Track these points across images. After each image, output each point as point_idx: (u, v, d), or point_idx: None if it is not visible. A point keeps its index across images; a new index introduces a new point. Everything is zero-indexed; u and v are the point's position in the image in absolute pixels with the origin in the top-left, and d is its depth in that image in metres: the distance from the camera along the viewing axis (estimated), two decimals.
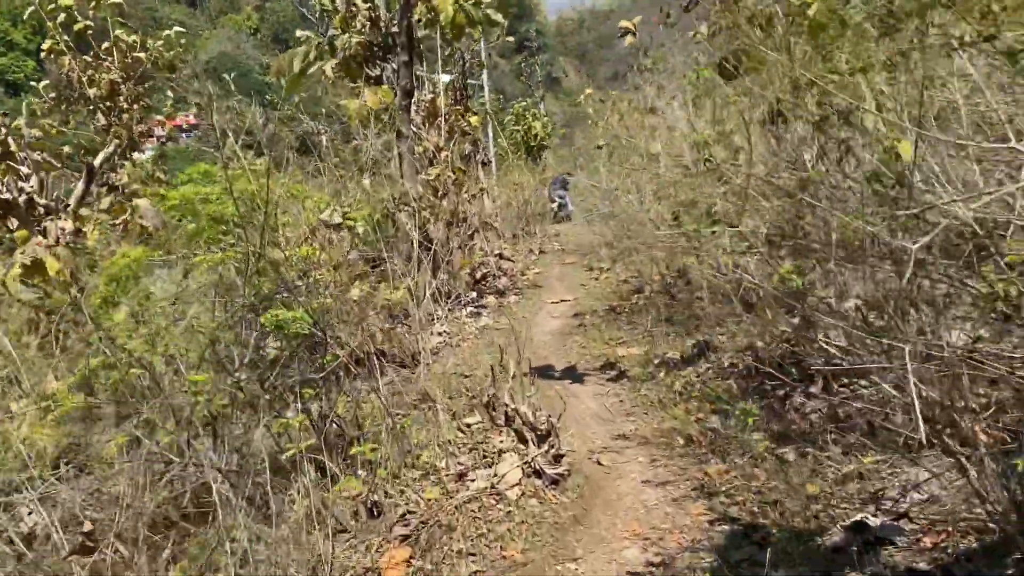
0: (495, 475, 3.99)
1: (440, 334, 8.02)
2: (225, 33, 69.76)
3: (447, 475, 4.09)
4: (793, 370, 4.59)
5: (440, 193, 10.15)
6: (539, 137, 25.27)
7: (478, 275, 10.81)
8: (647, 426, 4.86)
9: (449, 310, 8.65)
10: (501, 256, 11.16)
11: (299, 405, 4.18)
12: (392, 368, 6.90)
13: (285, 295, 4.47)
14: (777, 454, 3.96)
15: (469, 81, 16.24)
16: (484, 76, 19.30)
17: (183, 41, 10.43)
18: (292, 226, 6.46)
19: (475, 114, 13.91)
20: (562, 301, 9.44)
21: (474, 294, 9.38)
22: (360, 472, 4.13)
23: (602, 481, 4.14)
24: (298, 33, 8.61)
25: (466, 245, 10.52)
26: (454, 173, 10.18)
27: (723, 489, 3.76)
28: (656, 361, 5.88)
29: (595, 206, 10.56)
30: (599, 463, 4.35)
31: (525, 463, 4.08)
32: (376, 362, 5.32)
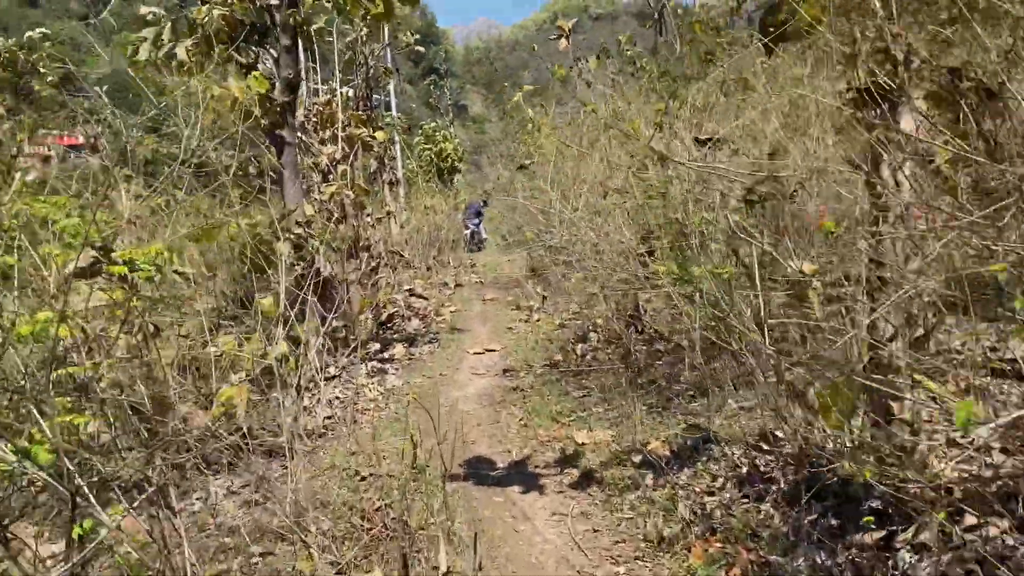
0: None
1: (332, 402, 6.05)
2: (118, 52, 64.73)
3: None
4: (871, 501, 2.97)
5: (336, 217, 8.21)
6: (451, 159, 23.58)
7: (383, 316, 8.88)
8: None
9: (342, 369, 6.69)
10: (412, 292, 9.27)
11: None
12: (260, 460, 4.93)
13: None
14: None
15: (374, 95, 14.40)
16: (391, 88, 17.43)
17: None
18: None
19: (380, 128, 12.08)
20: (487, 351, 7.64)
21: (377, 345, 7.43)
22: None
23: None
24: (143, 9, 6.52)
25: (368, 280, 8.58)
26: (354, 192, 8.27)
27: None
28: (635, 457, 4.15)
29: (537, 234, 8.83)
30: None
31: None
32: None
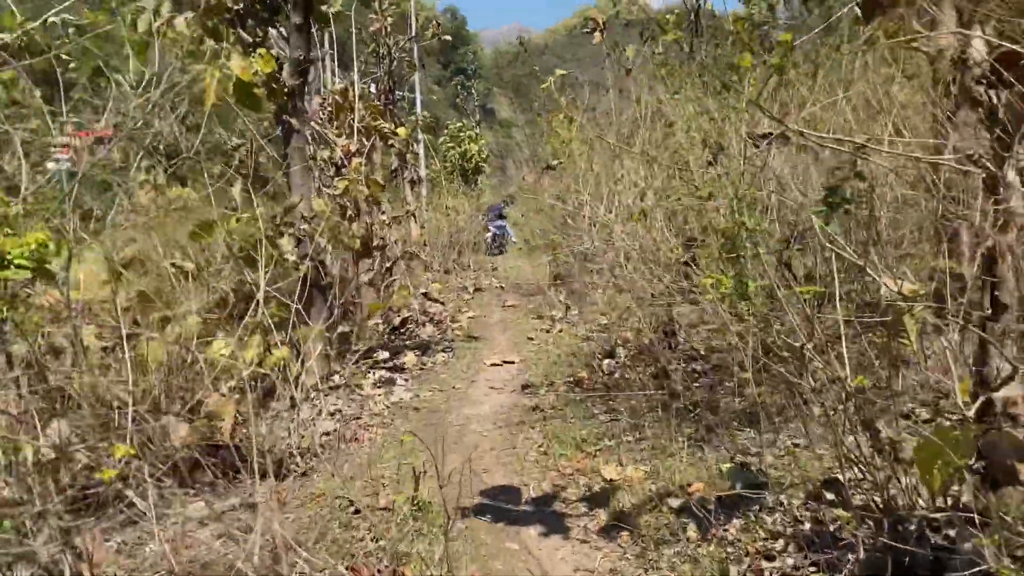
0: None
1: (333, 415, 5.49)
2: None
3: None
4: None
5: (349, 213, 7.68)
6: (476, 160, 23.06)
7: (397, 320, 8.33)
8: None
9: (347, 379, 6.14)
10: (427, 296, 8.71)
11: None
12: (246, 480, 4.38)
13: None
14: None
15: (397, 91, 13.89)
16: (416, 83, 16.93)
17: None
18: None
19: (402, 124, 11.57)
20: (505, 363, 7.05)
21: (386, 354, 6.86)
22: None
23: None
24: None
25: (382, 281, 8.04)
26: (369, 188, 7.74)
27: None
28: (674, 502, 3.53)
29: (564, 238, 8.21)
30: None
31: None
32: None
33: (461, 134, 23.43)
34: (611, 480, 3.98)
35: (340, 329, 6.06)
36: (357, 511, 3.84)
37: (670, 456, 4.12)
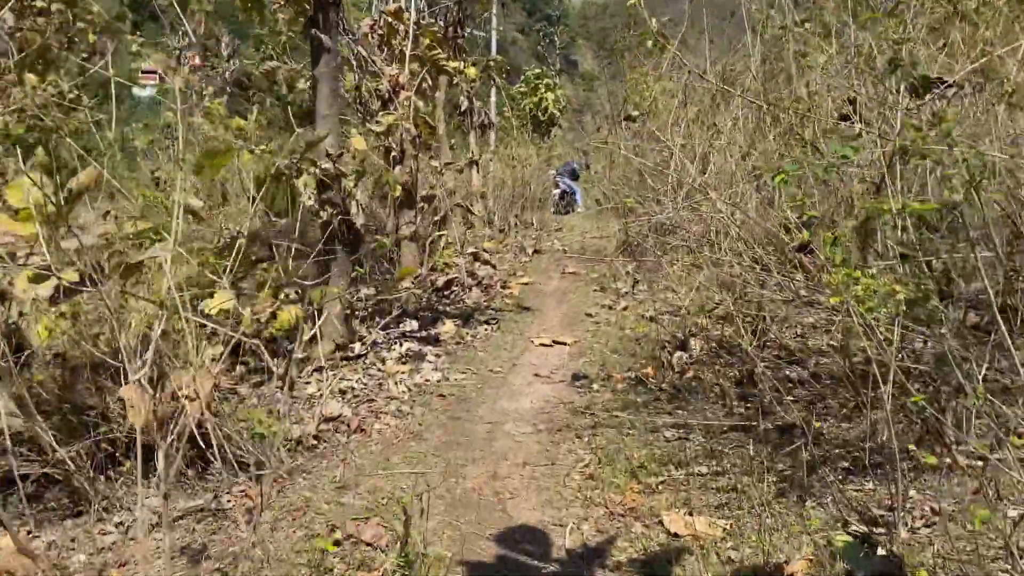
0: None
1: (341, 394, 4.61)
2: None
3: None
4: None
5: (394, 155, 6.71)
6: (550, 111, 21.76)
7: (441, 282, 7.40)
8: None
9: (372, 344, 5.25)
10: (477, 257, 7.73)
11: None
12: (225, 471, 3.58)
13: None
14: None
15: (469, 29, 12.70)
16: (492, 20, 15.66)
17: None
18: None
19: (473, 64, 10.46)
20: (556, 343, 6.04)
21: (414, 323, 5.91)
22: None
23: None
24: None
25: (425, 237, 7.09)
26: (417, 127, 6.74)
27: None
28: None
29: (641, 202, 7.03)
30: None
31: None
32: None
33: (538, 82, 22.09)
34: (675, 535, 2.96)
35: (363, 291, 5.14)
36: (338, 542, 2.94)
37: (757, 506, 3.06)
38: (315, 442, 3.90)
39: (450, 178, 10.60)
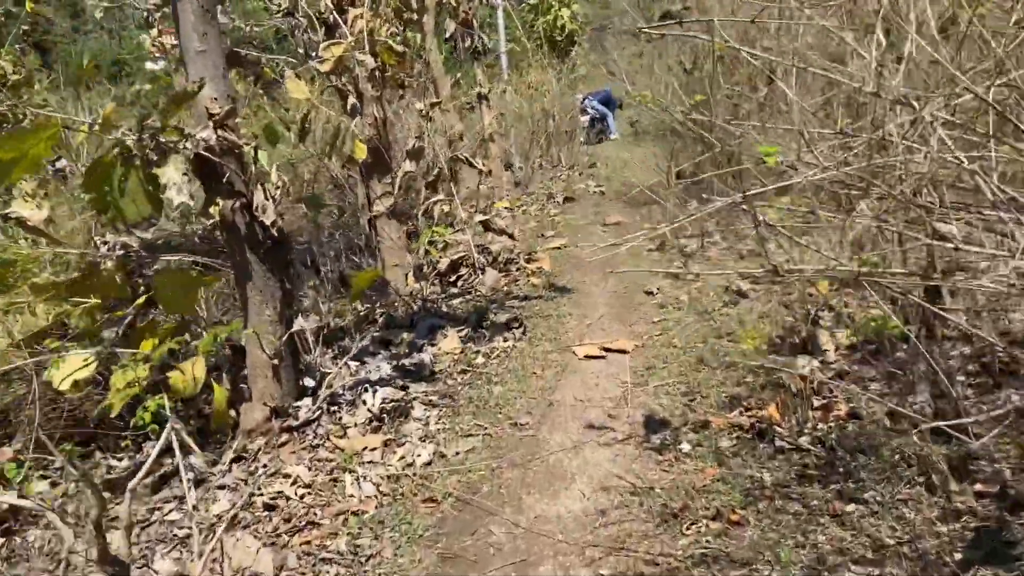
0: None
1: (268, 511, 2.79)
2: None
3: None
4: None
5: (352, 101, 4.81)
6: (568, 29, 19.21)
7: (443, 265, 5.52)
8: None
9: (329, 399, 3.41)
10: (488, 226, 5.76)
11: None
12: None
13: None
14: None
15: None
16: None
17: None
18: None
19: None
20: (607, 351, 4.10)
21: (404, 333, 3.99)
22: None
23: None
24: None
25: (411, 210, 5.17)
26: (381, 59, 4.75)
27: None
28: None
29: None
30: None
31: None
32: None
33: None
34: None
35: (297, 325, 3.27)
36: None
37: None
38: None
39: (454, 120, 8.55)
